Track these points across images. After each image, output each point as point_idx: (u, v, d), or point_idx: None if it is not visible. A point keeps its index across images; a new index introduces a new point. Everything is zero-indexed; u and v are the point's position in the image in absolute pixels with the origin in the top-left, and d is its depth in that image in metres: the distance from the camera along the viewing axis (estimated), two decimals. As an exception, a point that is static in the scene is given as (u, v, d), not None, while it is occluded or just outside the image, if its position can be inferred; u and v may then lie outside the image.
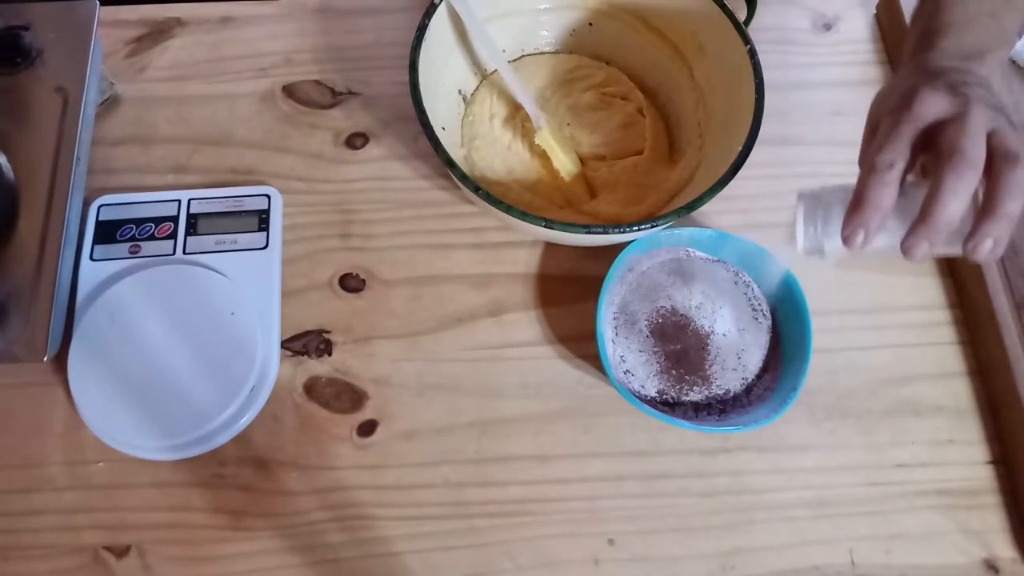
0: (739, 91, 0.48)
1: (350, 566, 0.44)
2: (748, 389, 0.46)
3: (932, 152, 0.34)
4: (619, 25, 0.55)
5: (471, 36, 0.53)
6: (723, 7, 0.50)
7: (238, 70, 0.58)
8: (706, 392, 0.46)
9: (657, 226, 0.44)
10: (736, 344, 0.47)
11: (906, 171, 0.34)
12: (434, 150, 0.45)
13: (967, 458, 0.47)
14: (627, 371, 0.46)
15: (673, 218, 0.44)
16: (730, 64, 0.49)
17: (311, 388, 0.48)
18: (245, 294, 0.48)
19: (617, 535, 0.45)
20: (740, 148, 0.46)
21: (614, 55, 0.57)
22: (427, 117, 0.46)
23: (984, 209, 0.33)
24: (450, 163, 0.45)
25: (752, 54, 0.48)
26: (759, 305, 0.48)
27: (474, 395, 0.48)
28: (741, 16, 0.50)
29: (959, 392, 0.49)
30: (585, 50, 0.57)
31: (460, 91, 0.54)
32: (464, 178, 0.45)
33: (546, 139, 0.51)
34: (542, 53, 0.57)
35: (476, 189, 0.44)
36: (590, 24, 0.56)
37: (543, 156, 0.52)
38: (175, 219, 0.50)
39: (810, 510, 0.45)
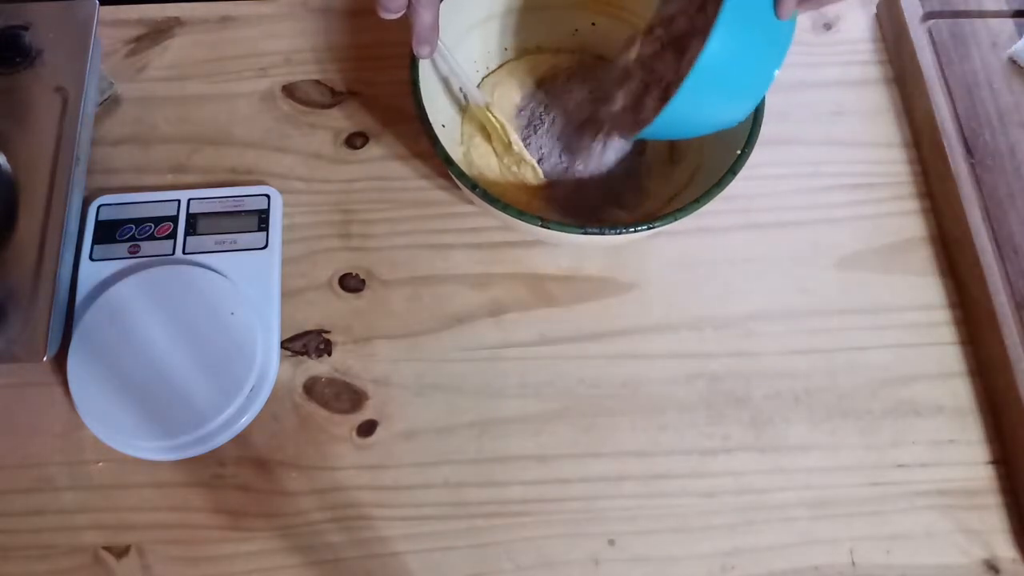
0: (739, 91, 0.48)
1: (350, 566, 0.44)
2: None
3: None
4: (622, 26, 0.55)
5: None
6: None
7: (238, 70, 0.58)
8: None
9: (654, 227, 0.44)
10: None
11: None
12: (432, 147, 0.46)
13: (968, 458, 0.47)
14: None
15: (672, 219, 0.44)
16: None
17: (311, 388, 0.48)
18: (245, 294, 0.48)
19: (617, 535, 0.45)
20: (740, 149, 0.46)
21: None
22: (426, 113, 0.46)
23: None
24: (447, 160, 0.45)
25: (752, 54, 0.48)
26: None
27: (474, 395, 0.48)
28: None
29: (959, 392, 0.49)
30: (588, 50, 0.57)
31: (460, 89, 0.54)
32: (461, 175, 0.45)
33: (483, 114, 0.52)
34: (544, 52, 0.57)
35: (473, 187, 0.44)
36: (593, 24, 0.56)
37: (543, 156, 0.53)
38: (175, 219, 0.50)
39: (810, 510, 0.45)
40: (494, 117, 0.51)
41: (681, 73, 0.40)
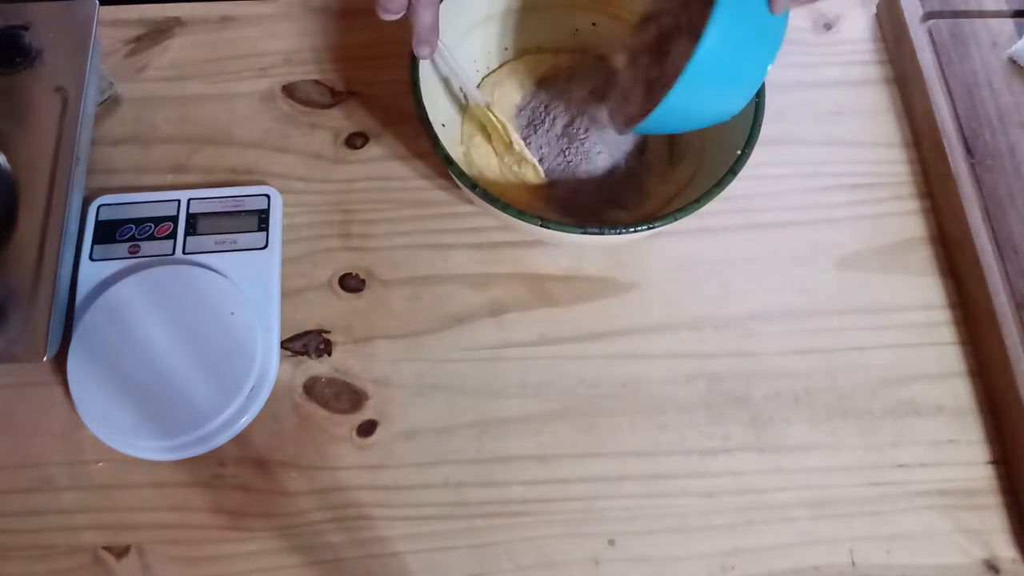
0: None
1: (350, 566, 0.44)
2: None
3: None
4: (622, 26, 0.55)
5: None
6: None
7: (238, 70, 0.58)
8: None
9: (654, 228, 0.44)
10: None
11: None
12: (432, 147, 0.46)
13: (968, 458, 0.47)
14: None
15: (671, 220, 0.44)
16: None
17: (311, 388, 0.48)
18: (245, 294, 0.48)
19: (617, 535, 0.45)
20: (740, 149, 0.46)
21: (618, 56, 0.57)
22: (426, 113, 0.46)
23: None
24: (447, 159, 0.45)
25: (752, 54, 0.48)
26: None
27: (474, 395, 0.48)
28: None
29: (959, 392, 0.49)
30: (588, 50, 0.57)
31: (460, 89, 0.54)
32: (461, 175, 0.45)
33: (484, 113, 0.52)
34: (544, 52, 0.57)
35: (473, 186, 0.44)
36: (593, 24, 0.56)
37: (543, 156, 0.53)
38: (175, 219, 0.50)
39: (810, 510, 0.45)
40: (495, 117, 0.51)
41: (668, 68, 0.41)
